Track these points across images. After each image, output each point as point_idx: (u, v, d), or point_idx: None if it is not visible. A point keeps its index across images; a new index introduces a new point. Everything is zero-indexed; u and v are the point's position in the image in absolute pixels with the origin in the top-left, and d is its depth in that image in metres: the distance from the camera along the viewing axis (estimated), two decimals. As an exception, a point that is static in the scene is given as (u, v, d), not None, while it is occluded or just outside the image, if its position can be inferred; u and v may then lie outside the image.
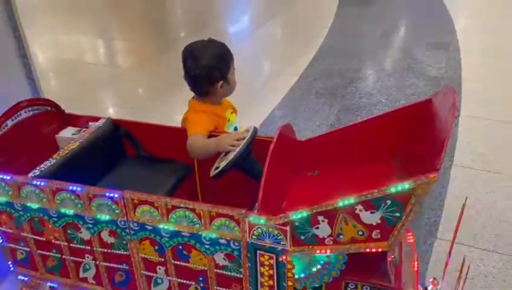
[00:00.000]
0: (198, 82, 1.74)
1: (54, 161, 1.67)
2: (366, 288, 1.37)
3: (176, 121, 2.03)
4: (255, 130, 1.57)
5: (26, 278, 1.82)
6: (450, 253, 1.46)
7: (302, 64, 4.56)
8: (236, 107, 2.00)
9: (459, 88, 3.98)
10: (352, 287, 1.38)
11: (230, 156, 1.51)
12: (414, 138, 1.45)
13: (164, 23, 6.57)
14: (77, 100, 3.57)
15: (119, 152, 1.95)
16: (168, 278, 1.56)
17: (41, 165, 1.64)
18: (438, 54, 4.70)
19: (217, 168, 1.55)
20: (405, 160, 1.47)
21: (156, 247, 1.51)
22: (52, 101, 1.97)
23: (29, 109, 1.84)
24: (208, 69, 1.70)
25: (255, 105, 3.70)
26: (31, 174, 1.59)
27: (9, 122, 1.76)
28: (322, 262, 1.32)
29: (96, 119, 1.97)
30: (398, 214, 1.17)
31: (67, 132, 1.95)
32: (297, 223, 1.27)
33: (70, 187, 1.50)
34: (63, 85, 4.59)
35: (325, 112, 3.66)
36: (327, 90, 4.00)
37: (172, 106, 3.71)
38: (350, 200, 1.18)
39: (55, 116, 1.96)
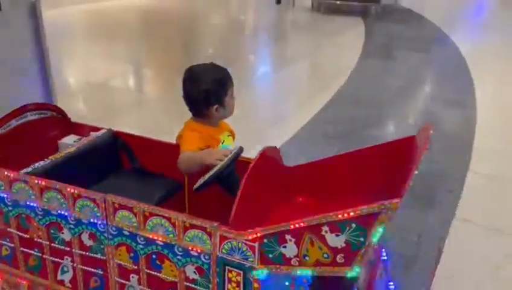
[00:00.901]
0: (194, 104, 1.81)
1: (48, 161, 1.74)
2: (332, 317, 1.35)
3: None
4: (240, 148, 1.61)
5: (8, 276, 1.85)
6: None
7: (316, 108, 4.63)
8: (235, 132, 2.04)
9: (471, 145, 3.96)
10: (318, 315, 1.36)
11: (214, 170, 1.54)
12: (395, 170, 1.46)
13: (194, 54, 6.85)
14: (100, 120, 3.74)
15: (115, 163, 2.01)
16: (140, 287, 1.57)
17: (36, 164, 1.71)
18: (453, 110, 4.71)
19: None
20: (385, 191, 1.48)
21: (132, 254, 1.53)
22: (59, 108, 2.07)
23: (36, 112, 1.93)
24: (204, 93, 1.76)
25: (263, 140, 3.74)
26: (23, 171, 1.66)
27: (14, 122, 1.85)
28: (287, 284, 1.31)
29: (98, 129, 2.06)
30: (362, 239, 1.17)
31: (70, 139, 2.04)
32: (265, 241, 1.28)
33: (57, 186, 1.55)
34: (90, 106, 4.82)
35: (331, 153, 3.66)
36: (336, 134, 4.03)
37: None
38: (316, 220, 1.19)
39: (60, 122, 2.05)
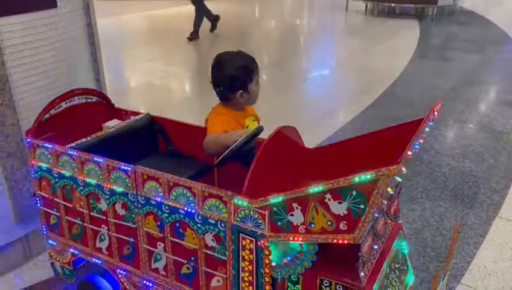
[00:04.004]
0: (220, 89, 1.91)
1: (90, 138, 1.92)
2: (339, 287, 1.39)
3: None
4: (260, 127, 1.69)
5: (55, 243, 2.05)
6: None
7: (360, 107, 4.62)
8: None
9: (523, 145, 3.79)
10: (326, 284, 1.41)
11: (232, 146, 1.64)
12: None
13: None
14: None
15: (152, 144, 2.17)
16: (166, 255, 1.69)
17: (79, 141, 1.90)
18: (507, 110, 4.52)
19: (220, 157, 1.68)
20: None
21: (158, 223, 1.66)
22: (105, 95, 2.26)
23: (83, 96, 2.13)
24: (229, 78, 1.86)
25: (306, 132, 3.82)
26: (68, 146, 1.84)
27: (64, 104, 2.05)
28: (295, 251, 1.38)
29: (139, 114, 2.22)
30: (362, 206, 1.21)
31: (113, 122, 2.21)
32: (275, 209, 1.36)
33: (95, 159, 1.72)
34: (144, 100, 5.16)
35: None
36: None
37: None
38: (319, 187, 1.25)
39: (105, 107, 2.24)
